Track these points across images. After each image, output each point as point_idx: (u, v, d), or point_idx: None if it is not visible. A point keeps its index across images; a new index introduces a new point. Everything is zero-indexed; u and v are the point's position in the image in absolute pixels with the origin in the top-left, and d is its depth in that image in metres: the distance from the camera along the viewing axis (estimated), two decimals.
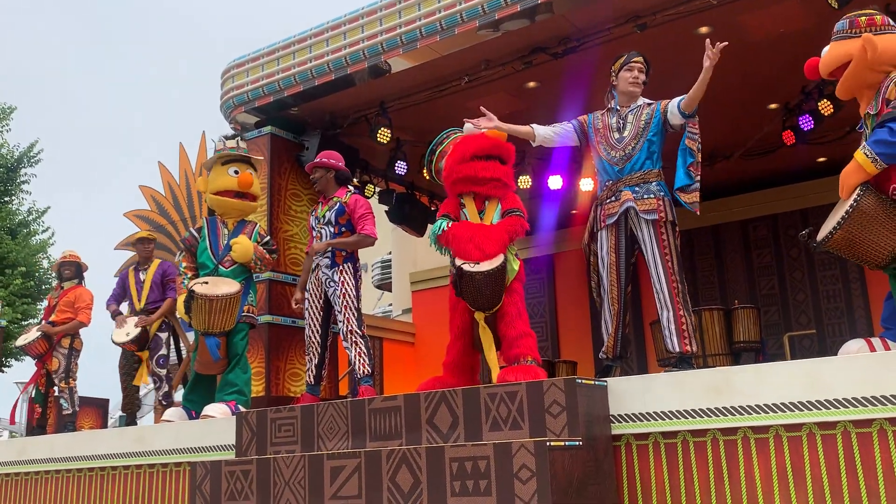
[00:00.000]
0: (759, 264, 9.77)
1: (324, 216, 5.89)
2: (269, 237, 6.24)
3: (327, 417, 4.48)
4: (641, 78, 4.84)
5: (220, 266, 6.00)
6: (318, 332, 5.90)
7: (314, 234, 5.95)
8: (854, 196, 3.61)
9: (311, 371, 5.91)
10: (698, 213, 4.66)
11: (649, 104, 4.84)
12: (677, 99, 4.70)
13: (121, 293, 7.23)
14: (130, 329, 6.91)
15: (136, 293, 7.09)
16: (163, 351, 7.00)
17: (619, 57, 4.94)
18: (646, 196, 4.62)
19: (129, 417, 7.34)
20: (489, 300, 4.54)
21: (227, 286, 5.79)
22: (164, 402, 7.02)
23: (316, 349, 5.90)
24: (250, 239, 6.05)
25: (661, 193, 4.65)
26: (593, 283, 4.95)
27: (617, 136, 4.79)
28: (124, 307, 7.17)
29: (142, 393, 7.85)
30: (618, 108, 4.88)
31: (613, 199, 4.73)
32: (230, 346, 5.92)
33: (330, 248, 5.79)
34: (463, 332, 4.72)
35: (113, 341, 6.96)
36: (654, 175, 4.71)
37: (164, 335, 7.04)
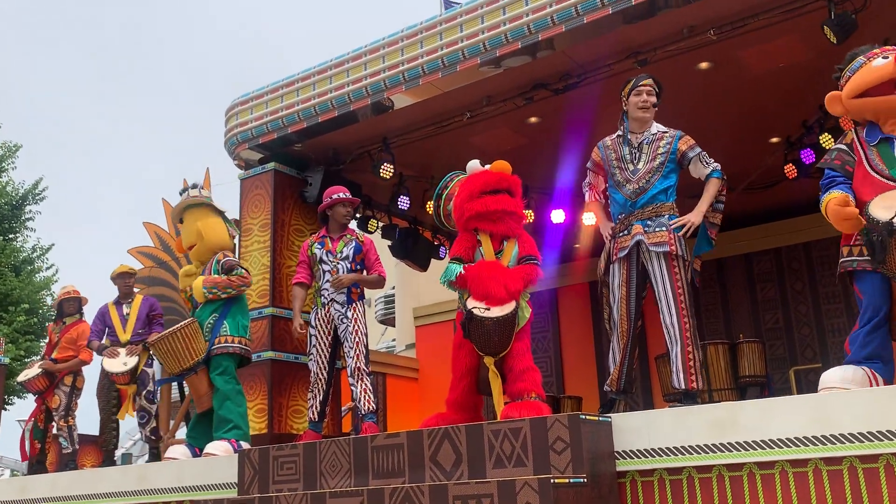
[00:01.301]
0: (764, 298, 9.74)
1: (340, 252, 5.97)
2: (225, 259, 5.98)
3: (329, 455, 4.45)
4: (651, 101, 4.77)
5: (195, 310, 6.04)
6: (325, 369, 5.93)
7: (328, 268, 5.96)
8: None
9: (315, 408, 5.91)
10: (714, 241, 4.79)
11: (665, 132, 4.77)
12: (706, 170, 4.71)
13: (101, 329, 7.21)
14: (127, 360, 6.87)
15: (121, 325, 7.06)
16: (150, 387, 6.97)
17: (628, 81, 4.88)
18: (657, 229, 4.58)
19: (107, 454, 7.13)
20: (498, 346, 4.55)
21: (175, 327, 5.83)
22: (153, 437, 6.96)
23: (322, 386, 5.92)
24: (211, 272, 5.97)
25: (673, 228, 4.59)
26: (606, 315, 4.92)
27: (631, 167, 4.71)
28: (105, 339, 7.17)
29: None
30: (629, 135, 4.79)
31: (626, 232, 4.69)
32: (212, 381, 5.82)
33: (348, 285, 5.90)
34: (468, 371, 4.70)
35: (106, 370, 6.90)
36: (668, 209, 4.65)
37: (150, 370, 7.01)
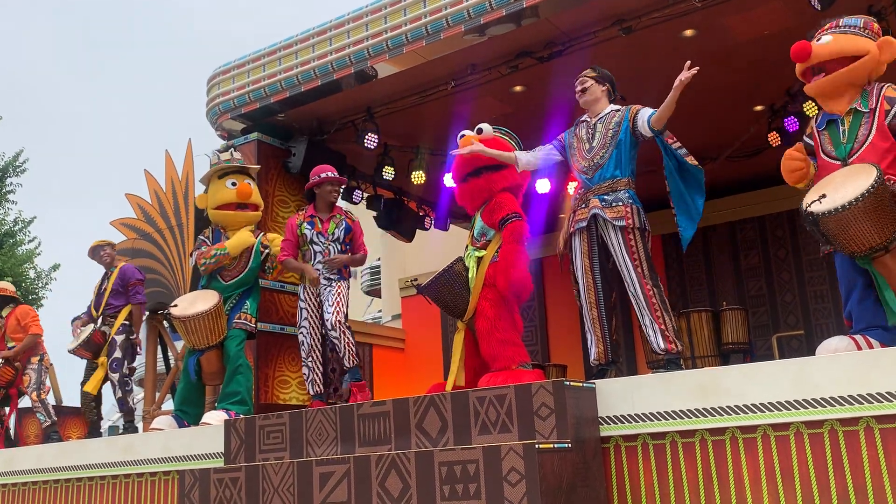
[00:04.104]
0: (747, 266, 9.80)
1: (332, 234, 6.02)
2: (269, 249, 6.32)
3: (316, 423, 4.47)
4: (578, 88, 4.92)
5: (221, 279, 6.05)
6: (319, 341, 6.03)
7: (319, 248, 6.01)
8: (876, 176, 3.64)
9: (318, 379, 6.02)
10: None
11: (618, 110, 4.87)
12: (648, 112, 4.70)
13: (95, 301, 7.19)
14: (81, 334, 6.85)
15: (96, 300, 7.02)
16: (116, 354, 6.75)
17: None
18: (614, 204, 4.65)
19: (90, 427, 7.08)
20: (452, 307, 4.89)
21: (203, 302, 5.88)
22: (122, 408, 6.89)
23: (318, 356, 6.02)
24: (253, 248, 6.21)
25: (630, 201, 4.66)
26: (576, 291, 4.99)
27: (587, 146, 4.84)
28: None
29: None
30: (587, 118, 4.95)
31: (583, 206, 4.78)
32: (225, 353, 5.99)
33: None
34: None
35: (68, 351, 6.92)
36: (623, 184, 4.71)
37: (120, 338, 6.79)
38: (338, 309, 5.87)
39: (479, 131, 5.19)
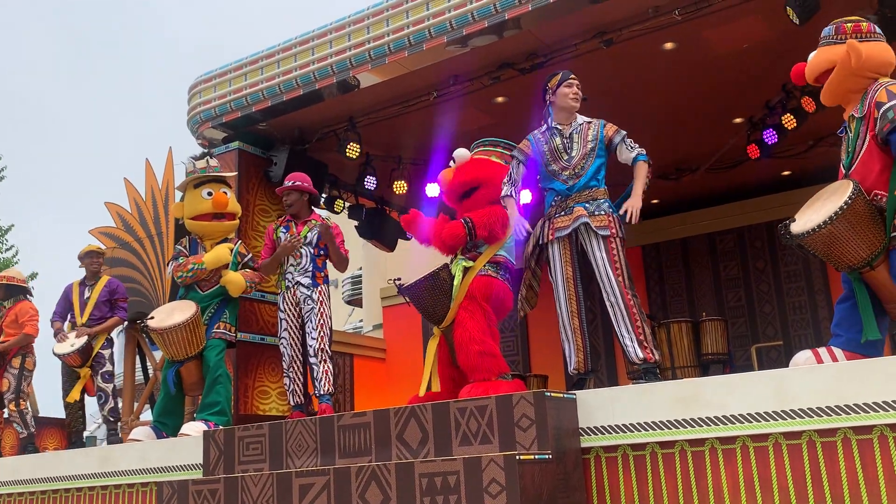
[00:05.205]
0: (727, 276, 9.86)
1: (305, 237, 6.07)
2: (249, 255, 6.29)
3: (296, 435, 4.44)
4: (580, 93, 4.94)
5: (199, 289, 6.01)
6: (299, 351, 6.05)
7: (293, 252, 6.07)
8: (849, 194, 3.59)
9: (298, 390, 6.02)
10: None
11: (589, 122, 4.92)
12: (627, 151, 4.79)
13: (64, 309, 7.05)
14: (74, 340, 6.75)
15: (80, 309, 6.91)
16: (107, 367, 6.82)
17: (554, 75, 5.02)
18: (597, 213, 4.68)
19: (75, 436, 7.03)
20: (431, 312, 4.88)
21: (180, 313, 5.84)
22: (111, 418, 6.87)
23: (299, 367, 6.03)
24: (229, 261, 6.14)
25: (611, 211, 4.72)
26: (521, 296, 5.04)
27: (566, 156, 4.84)
28: (66, 324, 7.01)
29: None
30: (558, 126, 4.93)
31: (564, 213, 4.78)
32: (204, 364, 5.94)
33: (311, 269, 6.00)
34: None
35: (54, 353, 6.79)
36: (602, 193, 4.77)
37: (107, 352, 6.86)
38: (322, 334, 5.91)
39: (452, 161, 5.25)
